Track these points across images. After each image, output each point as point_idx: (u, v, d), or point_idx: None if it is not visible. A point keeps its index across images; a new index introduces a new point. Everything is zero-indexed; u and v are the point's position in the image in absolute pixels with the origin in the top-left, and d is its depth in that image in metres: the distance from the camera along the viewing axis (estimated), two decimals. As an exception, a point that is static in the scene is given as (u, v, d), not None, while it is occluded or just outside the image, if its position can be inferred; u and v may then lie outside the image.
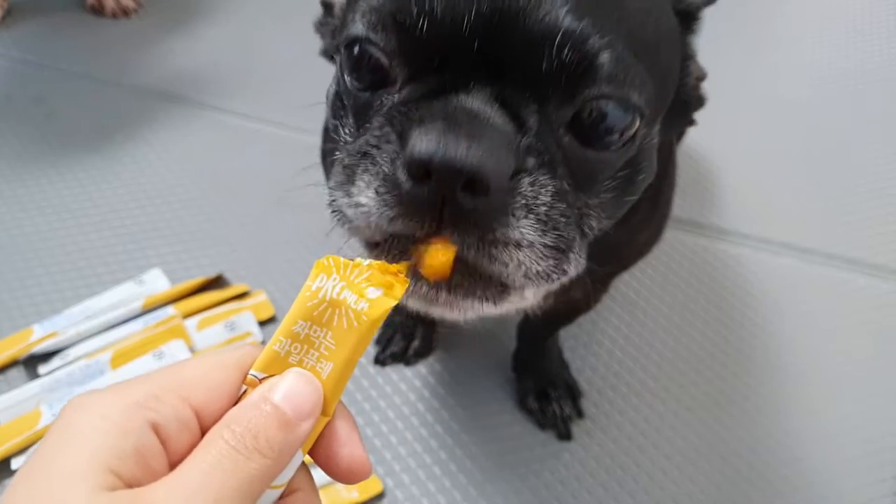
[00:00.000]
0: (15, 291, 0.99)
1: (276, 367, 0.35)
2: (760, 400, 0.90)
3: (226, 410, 0.33)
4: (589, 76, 0.43)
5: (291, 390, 0.33)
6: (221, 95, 1.30)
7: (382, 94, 0.47)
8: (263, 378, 0.34)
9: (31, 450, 0.81)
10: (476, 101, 0.43)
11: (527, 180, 0.43)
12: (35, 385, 0.87)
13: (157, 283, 0.99)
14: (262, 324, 0.95)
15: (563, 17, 0.42)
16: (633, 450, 0.85)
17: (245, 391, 0.34)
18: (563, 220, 0.45)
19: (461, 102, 0.43)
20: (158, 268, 1.01)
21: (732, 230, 1.10)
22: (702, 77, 0.58)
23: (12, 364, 0.91)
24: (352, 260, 0.36)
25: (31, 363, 0.91)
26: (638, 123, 0.47)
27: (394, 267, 0.36)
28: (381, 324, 0.35)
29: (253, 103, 1.29)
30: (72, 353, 0.90)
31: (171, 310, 0.95)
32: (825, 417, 0.89)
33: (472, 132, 0.40)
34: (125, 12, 1.47)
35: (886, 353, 0.95)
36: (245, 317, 0.94)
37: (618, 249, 0.64)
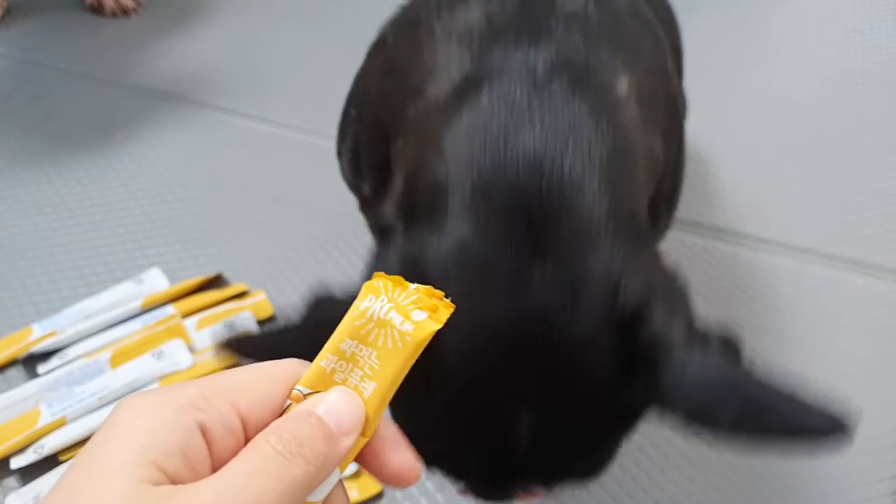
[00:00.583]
0: (14, 290, 0.99)
1: (321, 383, 0.35)
2: (759, 399, 0.90)
3: (270, 421, 0.34)
4: None
5: (335, 406, 0.34)
6: (221, 95, 1.30)
7: None
8: (308, 394, 0.35)
9: (30, 449, 0.81)
10: None
11: None
12: (34, 384, 0.87)
13: (156, 282, 0.99)
14: (262, 323, 0.95)
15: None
16: (632, 449, 0.85)
17: (289, 405, 0.35)
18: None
19: None
20: (157, 267, 1.01)
21: (730, 230, 1.10)
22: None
23: (11, 363, 0.91)
24: (399, 281, 0.37)
25: (30, 362, 0.91)
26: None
27: (439, 292, 0.37)
28: (424, 347, 0.36)
29: (253, 103, 1.29)
30: (71, 352, 0.91)
31: (170, 309, 0.95)
32: (824, 417, 0.89)
33: None
34: (124, 12, 1.47)
35: (885, 353, 0.95)
36: (244, 316, 0.94)
37: None
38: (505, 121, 0.53)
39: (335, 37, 1.42)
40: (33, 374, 0.90)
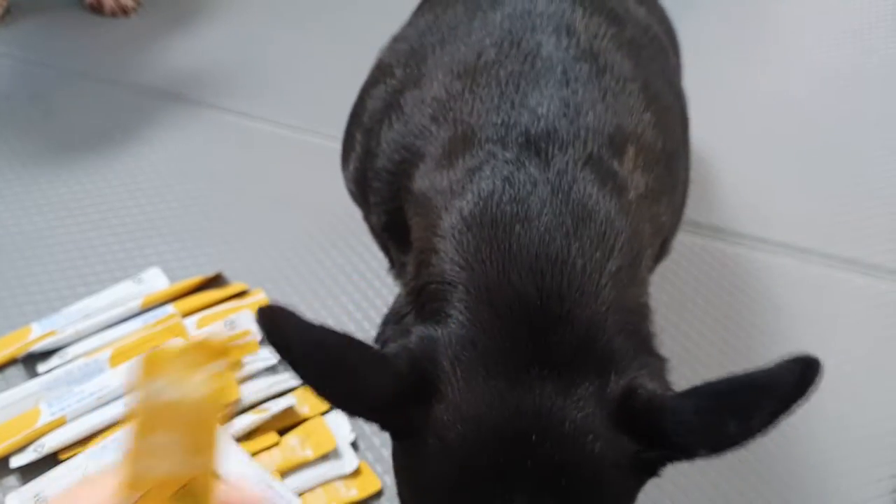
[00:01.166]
0: (13, 290, 0.99)
1: (138, 486, 0.34)
2: (758, 399, 0.90)
3: None
4: None
5: None
6: (221, 94, 1.31)
7: None
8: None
9: (30, 448, 0.82)
10: None
11: None
12: (34, 384, 0.87)
13: (155, 281, 0.99)
14: (261, 322, 0.95)
15: None
16: (631, 449, 0.86)
17: None
18: None
19: None
20: (157, 266, 1.02)
21: (729, 229, 1.10)
22: None
23: (11, 362, 0.91)
24: (171, 349, 0.35)
25: (30, 361, 0.91)
26: None
27: (212, 342, 0.36)
28: (225, 397, 0.35)
29: (252, 102, 1.29)
30: (70, 351, 0.91)
31: (169, 308, 0.95)
32: (822, 417, 0.89)
33: None
34: (124, 11, 1.47)
35: (884, 353, 0.95)
36: (244, 315, 0.94)
37: None
38: (509, 215, 0.54)
39: (335, 37, 1.43)
40: (33, 374, 0.90)
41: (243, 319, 0.94)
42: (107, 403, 0.85)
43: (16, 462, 0.81)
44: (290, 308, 0.46)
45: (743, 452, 0.84)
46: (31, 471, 0.81)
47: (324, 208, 1.10)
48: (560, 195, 0.55)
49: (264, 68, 1.37)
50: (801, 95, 1.33)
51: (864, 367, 0.93)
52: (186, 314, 0.95)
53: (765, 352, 0.95)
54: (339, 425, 0.85)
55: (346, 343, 0.49)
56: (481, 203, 0.56)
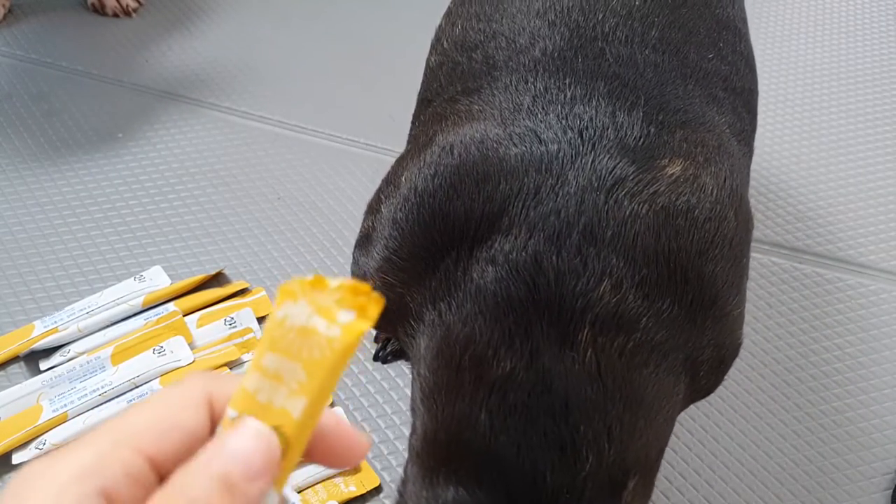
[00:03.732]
0: (16, 287, 1.00)
1: (248, 406, 0.32)
2: (750, 397, 0.91)
3: (185, 451, 0.31)
4: None
5: (241, 450, 0.31)
6: (222, 94, 1.31)
7: None
8: (235, 417, 0.32)
9: (32, 444, 0.82)
10: None
11: None
12: (36, 381, 0.88)
13: (157, 279, 1.00)
14: (262, 320, 0.96)
15: None
16: (626, 446, 0.86)
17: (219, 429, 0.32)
18: None
19: None
20: (159, 264, 1.02)
21: (726, 230, 1.11)
22: None
23: (13, 359, 0.92)
24: (319, 280, 0.33)
25: (33, 359, 0.92)
26: None
27: (365, 286, 0.33)
28: (356, 349, 0.33)
29: (253, 101, 1.30)
30: (73, 349, 0.92)
31: (171, 306, 0.96)
32: (814, 415, 0.90)
33: None
34: (126, 11, 1.48)
35: (875, 351, 0.96)
36: (245, 313, 0.95)
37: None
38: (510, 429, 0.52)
39: (335, 37, 1.44)
40: (35, 371, 0.91)
41: (244, 317, 0.95)
42: (108, 400, 0.86)
43: (18, 458, 0.82)
44: None
45: (737, 450, 0.86)
46: (34, 466, 0.82)
47: (324, 206, 1.11)
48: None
49: (264, 68, 1.37)
50: (792, 95, 1.34)
51: (856, 366, 0.94)
52: (187, 312, 0.96)
53: (754, 349, 0.96)
54: (339, 422, 0.85)
55: None
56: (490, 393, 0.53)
